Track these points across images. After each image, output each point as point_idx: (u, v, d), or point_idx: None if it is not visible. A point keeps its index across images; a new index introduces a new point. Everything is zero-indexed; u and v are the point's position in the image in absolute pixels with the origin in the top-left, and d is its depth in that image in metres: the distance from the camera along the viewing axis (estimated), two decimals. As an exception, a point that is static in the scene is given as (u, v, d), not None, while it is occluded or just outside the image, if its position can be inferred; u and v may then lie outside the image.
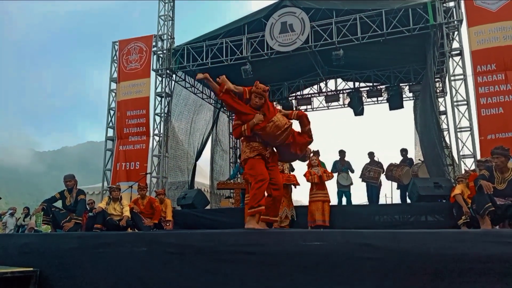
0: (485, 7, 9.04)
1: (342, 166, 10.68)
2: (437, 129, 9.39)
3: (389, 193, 11.69)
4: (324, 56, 11.72)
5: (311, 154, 8.26)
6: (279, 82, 14.12)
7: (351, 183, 10.61)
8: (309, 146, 6.74)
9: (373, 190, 10.69)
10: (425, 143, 10.39)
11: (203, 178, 14.89)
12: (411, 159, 11.28)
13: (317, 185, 7.75)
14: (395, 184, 11.03)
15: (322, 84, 14.37)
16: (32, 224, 11.45)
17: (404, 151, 11.30)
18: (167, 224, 8.59)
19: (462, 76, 9.17)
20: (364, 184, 10.80)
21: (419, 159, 11.58)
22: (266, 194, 4.52)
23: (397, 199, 11.10)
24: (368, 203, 10.73)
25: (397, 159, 11.20)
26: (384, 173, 10.69)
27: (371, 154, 10.97)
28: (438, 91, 12.11)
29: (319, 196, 7.72)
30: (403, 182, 10.28)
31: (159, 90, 11.88)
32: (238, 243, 3.67)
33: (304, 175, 7.91)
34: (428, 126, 9.65)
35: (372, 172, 10.49)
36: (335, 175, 10.69)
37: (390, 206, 9.47)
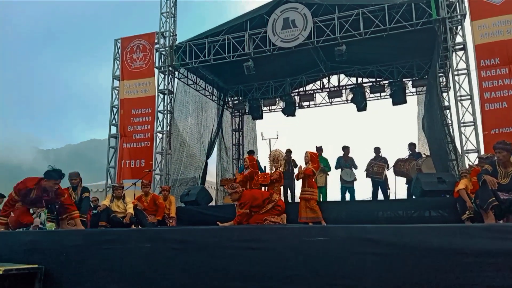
0: (489, 0, 8.98)
1: (346, 162, 10.66)
2: (442, 123, 9.35)
3: (393, 188, 11.66)
4: (326, 52, 11.68)
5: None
6: (282, 78, 14.09)
7: (355, 179, 10.59)
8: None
9: (379, 186, 10.65)
10: (431, 138, 10.35)
11: (208, 175, 14.94)
12: (419, 153, 11.21)
13: (302, 183, 7.69)
14: (398, 180, 11.00)
15: (325, 80, 14.31)
16: (36, 221, 11.49)
17: (412, 146, 11.24)
18: (171, 221, 8.62)
19: (465, 71, 9.12)
20: (367, 180, 10.77)
21: (424, 153, 11.55)
22: None
23: (400, 195, 11.06)
24: (371, 199, 10.70)
25: (400, 153, 11.17)
26: (392, 168, 10.66)
27: (377, 150, 10.91)
28: (441, 85, 12.06)
29: (301, 194, 7.65)
30: (412, 176, 10.25)
31: (161, 87, 11.89)
32: (241, 239, 3.68)
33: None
34: (435, 121, 9.62)
35: (376, 168, 10.45)
36: (338, 171, 10.68)
37: (394, 202, 9.46)
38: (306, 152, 7.74)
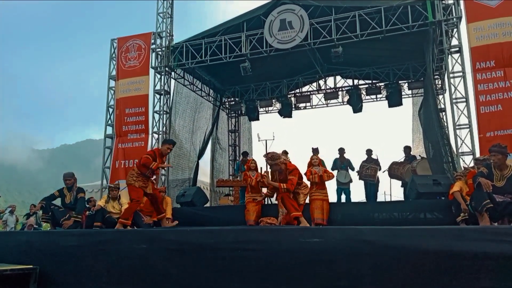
0: (485, 3, 9.02)
1: (342, 163, 10.69)
2: (439, 126, 9.40)
3: (388, 190, 11.71)
4: (323, 54, 11.71)
5: (312, 154, 8.22)
6: (278, 79, 14.11)
7: (350, 181, 10.60)
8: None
9: (371, 188, 10.70)
10: (428, 140, 10.40)
11: (203, 176, 14.91)
12: (414, 156, 11.27)
13: (317, 185, 7.63)
14: (393, 182, 11.05)
15: (321, 82, 14.35)
16: (31, 221, 11.45)
17: (407, 149, 11.31)
18: (167, 222, 8.58)
19: (461, 73, 9.17)
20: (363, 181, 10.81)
21: (419, 155, 11.60)
22: None
23: (396, 197, 11.11)
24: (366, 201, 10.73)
25: (396, 155, 11.23)
26: (387, 171, 10.72)
27: (369, 151, 10.97)
28: (437, 88, 12.11)
29: (319, 195, 7.63)
30: (406, 180, 10.30)
31: (158, 87, 11.87)
32: (237, 240, 3.68)
33: (305, 174, 7.83)
34: (431, 124, 9.66)
35: (369, 170, 10.49)
36: (335, 172, 10.70)
37: (389, 204, 9.48)
38: (313, 156, 7.91)
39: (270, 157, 6.05)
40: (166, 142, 6.87)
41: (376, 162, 10.72)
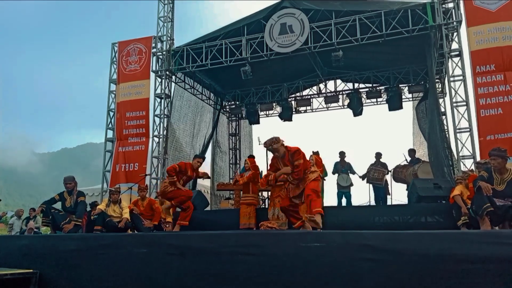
0: (485, 7, 9.05)
1: (342, 167, 10.68)
2: (440, 129, 9.40)
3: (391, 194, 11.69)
4: (323, 57, 11.72)
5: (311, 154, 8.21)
6: (279, 83, 14.12)
7: (351, 184, 10.59)
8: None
9: (380, 191, 10.67)
10: (431, 144, 10.40)
11: (203, 180, 14.88)
12: (418, 159, 11.26)
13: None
14: (395, 185, 11.05)
15: (322, 85, 14.36)
16: (31, 225, 11.43)
17: (412, 152, 11.30)
18: (167, 226, 8.58)
19: (461, 77, 9.18)
20: (365, 185, 10.79)
21: (421, 159, 11.60)
22: None
23: (397, 200, 11.08)
24: (369, 204, 10.69)
25: (396, 158, 11.22)
26: (392, 174, 10.70)
27: (378, 155, 10.94)
28: (437, 92, 12.12)
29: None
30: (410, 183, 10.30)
31: (158, 91, 11.88)
32: (238, 244, 3.68)
33: None
34: (434, 127, 9.67)
35: (376, 173, 10.48)
36: (335, 176, 10.69)
37: (390, 207, 9.47)
38: (311, 156, 7.83)
39: (265, 143, 5.59)
40: (196, 157, 7.54)
41: (384, 166, 10.71)
